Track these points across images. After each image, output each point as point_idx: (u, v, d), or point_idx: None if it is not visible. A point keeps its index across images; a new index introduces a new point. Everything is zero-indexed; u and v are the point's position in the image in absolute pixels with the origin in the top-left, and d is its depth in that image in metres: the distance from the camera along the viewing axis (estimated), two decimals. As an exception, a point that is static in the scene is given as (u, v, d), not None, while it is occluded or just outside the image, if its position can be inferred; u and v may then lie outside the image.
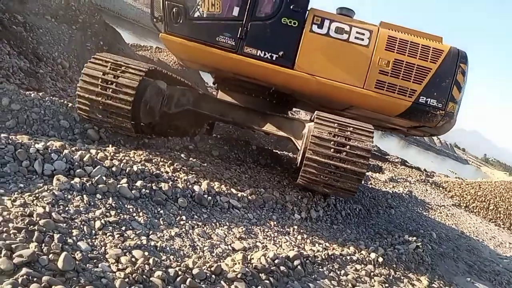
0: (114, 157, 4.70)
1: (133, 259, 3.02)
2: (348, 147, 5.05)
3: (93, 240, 3.10)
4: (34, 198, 3.31)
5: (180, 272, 3.07)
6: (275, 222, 5.17)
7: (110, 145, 5.24)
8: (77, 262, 2.68)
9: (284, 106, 7.45)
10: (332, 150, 5.05)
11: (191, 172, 5.37)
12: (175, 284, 2.97)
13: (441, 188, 16.41)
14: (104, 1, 31.58)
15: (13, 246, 2.54)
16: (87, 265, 2.73)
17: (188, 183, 4.81)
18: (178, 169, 5.28)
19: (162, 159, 5.44)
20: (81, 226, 3.20)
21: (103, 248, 3.05)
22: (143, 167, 4.68)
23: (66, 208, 3.35)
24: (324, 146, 5.07)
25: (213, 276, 3.24)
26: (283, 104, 7.35)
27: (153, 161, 5.22)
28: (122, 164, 4.47)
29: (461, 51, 6.05)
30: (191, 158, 6.08)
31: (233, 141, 8.28)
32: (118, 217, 3.57)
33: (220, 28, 5.95)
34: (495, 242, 10.40)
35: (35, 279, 2.40)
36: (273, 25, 5.93)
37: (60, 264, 2.58)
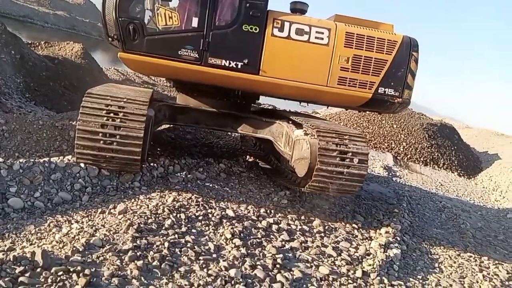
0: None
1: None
2: (350, 154, 5.38)
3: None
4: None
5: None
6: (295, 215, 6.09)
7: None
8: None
9: (247, 103, 7.51)
10: (338, 159, 5.34)
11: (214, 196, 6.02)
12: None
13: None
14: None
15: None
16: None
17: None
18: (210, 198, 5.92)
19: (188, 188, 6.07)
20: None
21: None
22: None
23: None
24: (331, 157, 5.34)
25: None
26: (247, 100, 7.39)
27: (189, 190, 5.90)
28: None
29: (413, 39, 6.33)
30: (206, 183, 6.52)
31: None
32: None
33: (181, 41, 5.82)
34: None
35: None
36: (234, 32, 5.91)
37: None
